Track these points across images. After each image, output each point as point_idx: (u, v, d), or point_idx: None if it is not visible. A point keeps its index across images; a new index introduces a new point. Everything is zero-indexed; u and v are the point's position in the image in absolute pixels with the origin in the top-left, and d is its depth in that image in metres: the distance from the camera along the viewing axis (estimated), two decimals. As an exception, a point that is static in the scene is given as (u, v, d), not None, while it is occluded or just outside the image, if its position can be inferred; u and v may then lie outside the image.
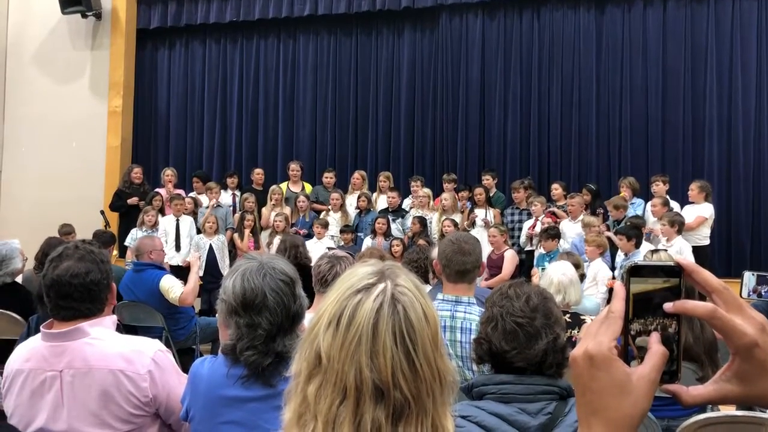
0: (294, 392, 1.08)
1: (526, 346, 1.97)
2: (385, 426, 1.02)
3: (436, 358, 1.07)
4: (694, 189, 7.72)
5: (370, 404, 1.02)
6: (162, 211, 8.85)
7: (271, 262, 1.96)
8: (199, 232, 8.55)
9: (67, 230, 7.68)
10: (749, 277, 6.06)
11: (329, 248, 7.42)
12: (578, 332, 3.74)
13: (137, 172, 9.51)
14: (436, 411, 1.06)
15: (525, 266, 7.90)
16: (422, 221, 8.19)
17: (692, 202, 7.74)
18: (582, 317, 4.02)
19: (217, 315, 2.10)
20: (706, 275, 0.80)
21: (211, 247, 8.22)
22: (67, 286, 2.21)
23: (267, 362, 1.88)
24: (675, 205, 7.72)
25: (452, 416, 1.10)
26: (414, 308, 1.07)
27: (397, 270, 1.12)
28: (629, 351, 0.80)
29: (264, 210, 8.98)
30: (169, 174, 9.54)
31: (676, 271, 0.81)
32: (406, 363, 1.03)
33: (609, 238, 7.17)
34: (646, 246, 6.79)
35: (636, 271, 0.81)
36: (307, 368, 1.07)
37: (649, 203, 7.79)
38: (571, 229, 7.76)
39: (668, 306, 0.79)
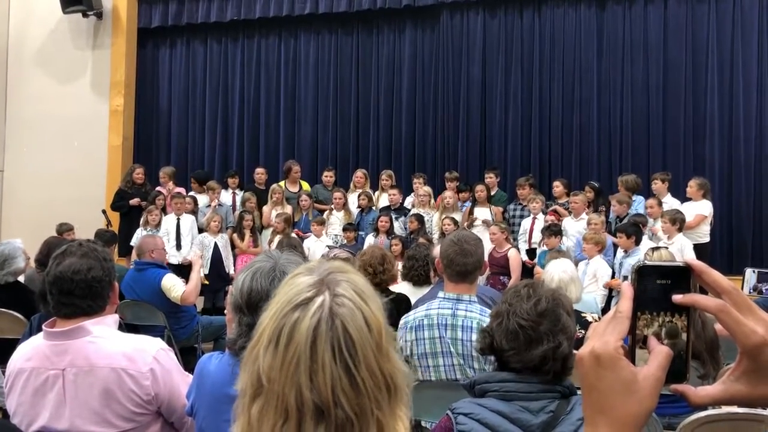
0: (240, 411, 1.07)
1: (525, 349, 1.96)
2: None
3: (381, 364, 1.05)
4: (692, 186, 7.70)
5: (311, 425, 1.00)
6: (164, 210, 8.86)
7: (285, 265, 1.95)
8: (200, 231, 8.57)
9: (65, 228, 7.66)
10: (750, 275, 6.07)
11: (329, 247, 7.43)
12: (579, 329, 3.75)
13: (139, 173, 9.51)
14: (385, 419, 1.04)
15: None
16: (420, 219, 8.20)
17: (690, 199, 7.73)
18: (583, 315, 4.03)
19: (226, 308, 2.11)
20: (716, 276, 0.81)
21: (216, 245, 8.25)
22: (69, 283, 2.22)
23: None
24: (675, 203, 7.71)
25: (407, 416, 1.09)
26: (354, 319, 1.04)
27: (338, 275, 1.09)
28: (635, 351, 0.81)
29: (265, 209, 8.98)
30: (162, 176, 9.56)
31: (685, 271, 0.81)
32: (347, 378, 1.01)
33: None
34: (646, 243, 6.78)
35: (645, 272, 0.81)
36: (250, 388, 1.05)
37: (646, 203, 7.78)
38: (574, 227, 7.77)
39: (678, 297, 0.80)
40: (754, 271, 6.14)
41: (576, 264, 6.52)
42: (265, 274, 1.91)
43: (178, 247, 8.38)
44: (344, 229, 8.38)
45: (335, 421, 1.01)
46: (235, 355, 1.93)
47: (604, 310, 5.86)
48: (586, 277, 6.66)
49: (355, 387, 1.02)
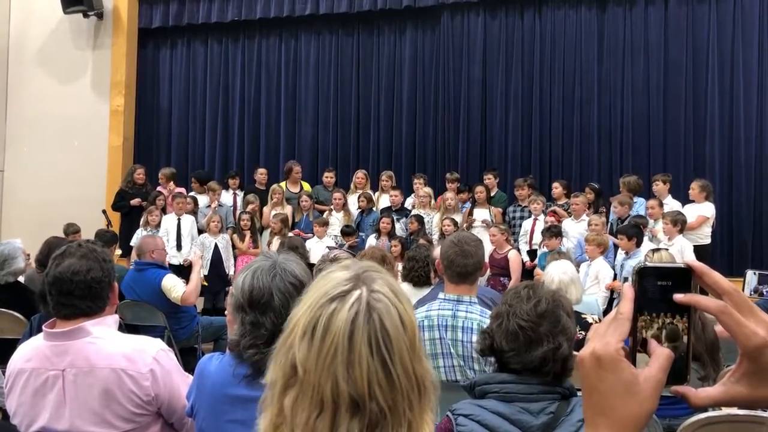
0: (270, 402, 1.07)
1: (525, 350, 1.96)
2: None
3: (414, 363, 1.06)
4: (695, 188, 7.71)
5: (345, 417, 1.01)
6: (164, 211, 8.87)
7: (284, 263, 1.96)
8: (200, 231, 8.57)
9: (73, 230, 7.67)
10: (751, 276, 6.08)
11: (329, 248, 7.42)
12: (579, 330, 3.75)
13: (140, 173, 9.51)
14: (414, 419, 1.05)
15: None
16: (420, 219, 8.20)
17: (693, 201, 7.74)
18: (583, 316, 4.03)
19: (226, 309, 2.11)
20: (717, 277, 0.81)
21: (216, 246, 8.25)
22: (69, 283, 2.22)
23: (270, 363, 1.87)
24: (676, 205, 7.71)
25: (432, 422, 1.09)
26: (390, 315, 1.05)
27: (374, 273, 1.10)
28: (636, 353, 0.81)
29: (265, 209, 8.98)
30: (160, 177, 9.57)
31: (686, 272, 0.81)
32: (383, 373, 1.02)
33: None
34: (646, 245, 6.78)
35: (645, 273, 0.81)
36: (283, 378, 1.05)
37: (647, 204, 7.78)
38: (575, 228, 7.77)
39: (679, 296, 0.80)
40: (755, 273, 6.14)
41: (578, 266, 6.52)
42: (266, 272, 1.92)
43: (179, 247, 8.38)
44: (343, 233, 8.36)
45: (369, 415, 1.01)
46: (237, 356, 1.93)
47: (606, 311, 5.85)
48: (588, 278, 6.65)
49: (390, 382, 1.02)
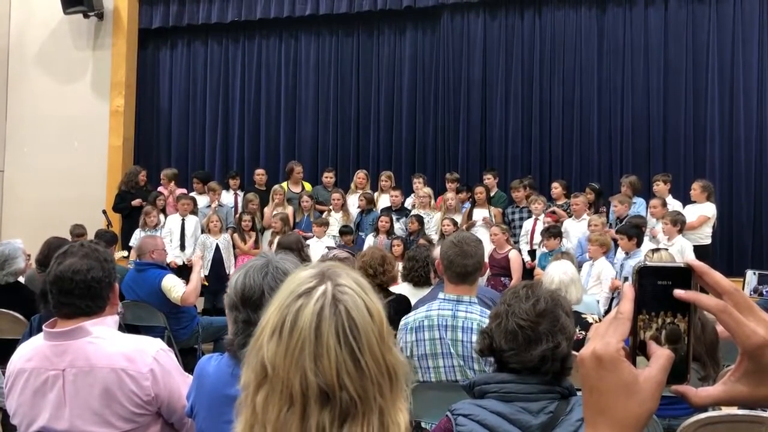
0: (244, 404, 1.08)
1: (524, 349, 1.96)
2: (329, 429, 1.02)
3: (384, 352, 1.07)
4: (696, 189, 7.72)
5: (315, 408, 1.02)
6: (164, 211, 8.87)
7: (277, 261, 1.97)
8: (202, 231, 8.58)
9: (78, 231, 7.65)
10: (751, 276, 6.09)
11: (328, 248, 7.43)
12: (579, 330, 3.75)
13: (143, 175, 9.53)
14: (386, 407, 1.06)
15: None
16: (420, 220, 8.21)
17: (694, 202, 7.74)
18: (583, 316, 4.03)
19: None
20: (717, 277, 0.80)
21: (217, 246, 8.26)
22: (69, 283, 2.22)
23: None
24: (677, 204, 7.72)
25: (407, 410, 1.10)
26: (356, 306, 1.06)
27: (338, 269, 1.11)
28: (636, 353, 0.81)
29: (266, 210, 8.99)
30: (162, 178, 9.58)
31: (686, 272, 0.81)
32: (351, 362, 1.03)
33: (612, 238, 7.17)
34: (647, 245, 6.78)
35: (645, 272, 0.81)
36: (255, 379, 1.06)
37: (649, 204, 7.78)
38: (575, 228, 7.77)
39: (680, 292, 0.79)
40: (754, 273, 6.15)
41: (580, 266, 6.52)
42: (258, 270, 1.93)
43: (182, 247, 8.39)
44: (341, 233, 8.37)
45: (339, 405, 1.02)
46: (233, 356, 1.94)
47: (608, 312, 5.84)
48: (590, 279, 6.65)
49: (359, 371, 1.03)
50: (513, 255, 7.58)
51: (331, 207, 8.90)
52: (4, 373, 2.40)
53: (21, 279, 4.90)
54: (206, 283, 7.88)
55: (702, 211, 7.56)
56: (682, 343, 0.80)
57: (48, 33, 10.92)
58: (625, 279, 6.17)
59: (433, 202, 8.81)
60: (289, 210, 8.95)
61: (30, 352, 2.26)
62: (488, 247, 7.40)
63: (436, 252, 3.88)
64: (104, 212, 9.25)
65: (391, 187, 9.07)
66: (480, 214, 8.35)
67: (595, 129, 9.40)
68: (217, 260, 8.22)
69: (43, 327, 2.27)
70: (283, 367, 1.03)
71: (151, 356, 2.21)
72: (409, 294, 4.54)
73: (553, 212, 8.09)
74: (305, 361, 1.02)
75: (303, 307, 1.05)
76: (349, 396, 1.02)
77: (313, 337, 1.03)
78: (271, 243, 8.22)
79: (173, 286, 5.36)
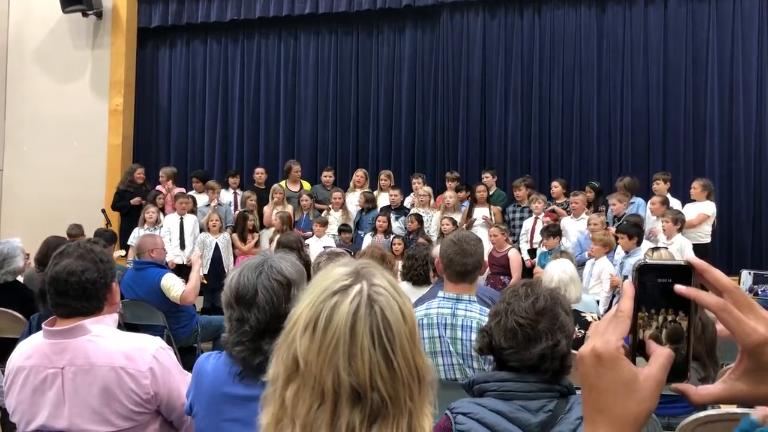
0: (272, 397, 1.08)
1: (524, 348, 1.95)
2: (359, 429, 1.02)
3: (415, 355, 1.07)
4: (696, 188, 7.72)
5: (346, 407, 1.02)
6: (163, 210, 8.86)
7: (273, 261, 1.97)
8: (201, 230, 8.58)
9: (75, 232, 7.59)
10: (746, 276, 6.09)
11: (324, 247, 7.43)
12: (578, 329, 3.75)
13: (140, 173, 9.52)
14: (414, 410, 1.06)
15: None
16: (419, 218, 8.21)
17: (694, 200, 7.74)
18: (582, 314, 4.03)
19: None
20: (717, 274, 0.80)
21: (216, 245, 8.26)
22: (64, 284, 2.23)
23: (257, 361, 1.88)
24: (676, 203, 7.72)
25: (431, 415, 1.10)
26: (391, 307, 1.07)
27: (373, 269, 1.12)
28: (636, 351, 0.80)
29: (266, 209, 8.99)
30: (161, 175, 9.58)
31: (686, 269, 0.80)
32: (384, 363, 1.03)
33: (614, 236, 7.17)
34: (646, 244, 6.78)
35: (645, 270, 0.81)
36: (284, 373, 1.06)
37: (649, 201, 7.79)
38: (575, 227, 7.77)
39: (681, 288, 0.79)
40: (750, 273, 6.16)
41: (580, 265, 6.51)
42: (253, 269, 1.94)
43: (182, 246, 8.39)
44: (340, 231, 8.38)
45: (370, 405, 1.03)
46: (230, 354, 1.94)
47: (608, 311, 5.83)
48: (591, 278, 6.64)
49: (392, 372, 1.04)
50: (512, 254, 7.58)
51: (330, 206, 8.90)
52: (3, 372, 2.40)
53: (20, 278, 4.89)
54: (205, 282, 7.87)
55: (702, 210, 7.56)
56: (683, 342, 0.80)
57: (47, 32, 10.91)
58: (625, 277, 6.17)
59: (432, 200, 8.81)
60: (289, 209, 8.96)
61: (29, 350, 2.26)
62: (488, 246, 7.40)
63: (436, 251, 3.88)
64: (103, 211, 9.24)
65: (390, 186, 9.08)
66: (480, 212, 8.34)
67: (595, 127, 9.40)
68: (217, 259, 8.23)
69: (43, 325, 2.27)
70: (315, 363, 1.03)
71: (150, 354, 2.21)
72: (409, 293, 4.54)
73: (553, 211, 8.08)
74: (339, 360, 1.02)
75: (338, 304, 1.05)
76: (381, 397, 1.02)
77: (347, 336, 1.03)
78: (271, 241, 8.23)
79: (172, 285, 5.36)
